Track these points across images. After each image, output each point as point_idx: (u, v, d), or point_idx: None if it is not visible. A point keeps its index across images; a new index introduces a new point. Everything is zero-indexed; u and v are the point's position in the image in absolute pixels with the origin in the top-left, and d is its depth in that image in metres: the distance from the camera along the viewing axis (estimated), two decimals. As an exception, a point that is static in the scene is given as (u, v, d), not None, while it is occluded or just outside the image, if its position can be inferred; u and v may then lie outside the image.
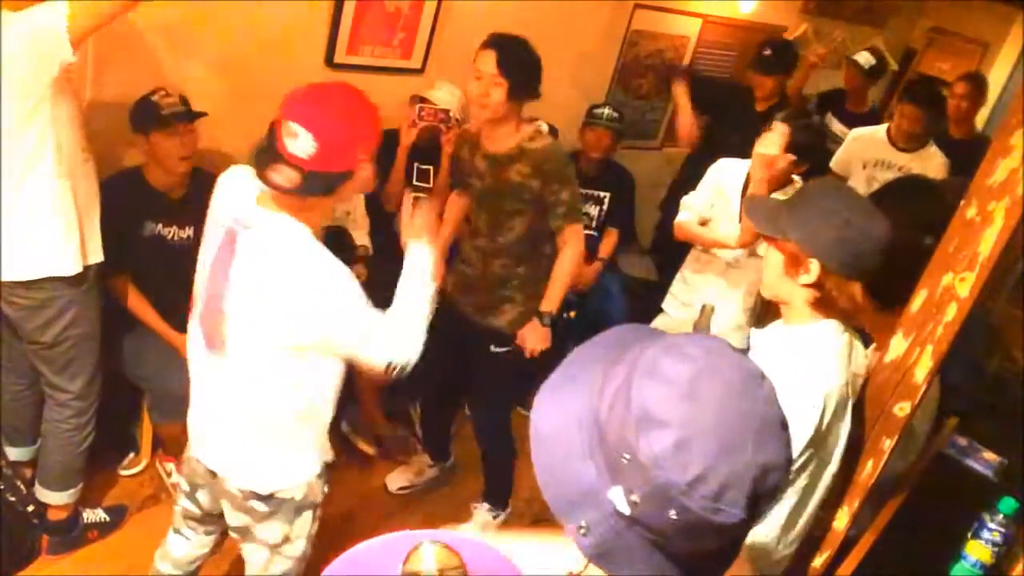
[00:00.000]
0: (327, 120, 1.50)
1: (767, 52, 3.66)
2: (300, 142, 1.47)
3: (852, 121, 4.09)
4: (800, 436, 1.40)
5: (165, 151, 2.37)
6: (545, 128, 2.56)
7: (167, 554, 2.02)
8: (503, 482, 2.88)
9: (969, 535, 1.76)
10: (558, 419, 0.77)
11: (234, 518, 1.83)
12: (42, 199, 2.00)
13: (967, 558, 1.74)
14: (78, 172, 2.06)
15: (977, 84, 4.05)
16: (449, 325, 2.62)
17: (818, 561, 1.72)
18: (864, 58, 4.16)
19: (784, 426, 0.74)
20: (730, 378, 0.72)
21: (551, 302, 2.50)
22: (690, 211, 2.79)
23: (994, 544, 1.73)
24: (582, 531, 0.73)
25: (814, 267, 1.45)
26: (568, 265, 2.48)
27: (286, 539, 1.83)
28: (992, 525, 1.74)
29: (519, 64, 2.24)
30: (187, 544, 1.99)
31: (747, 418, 0.71)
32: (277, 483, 1.76)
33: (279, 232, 1.55)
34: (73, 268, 2.10)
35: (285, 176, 1.49)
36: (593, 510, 0.73)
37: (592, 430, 0.74)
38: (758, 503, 0.70)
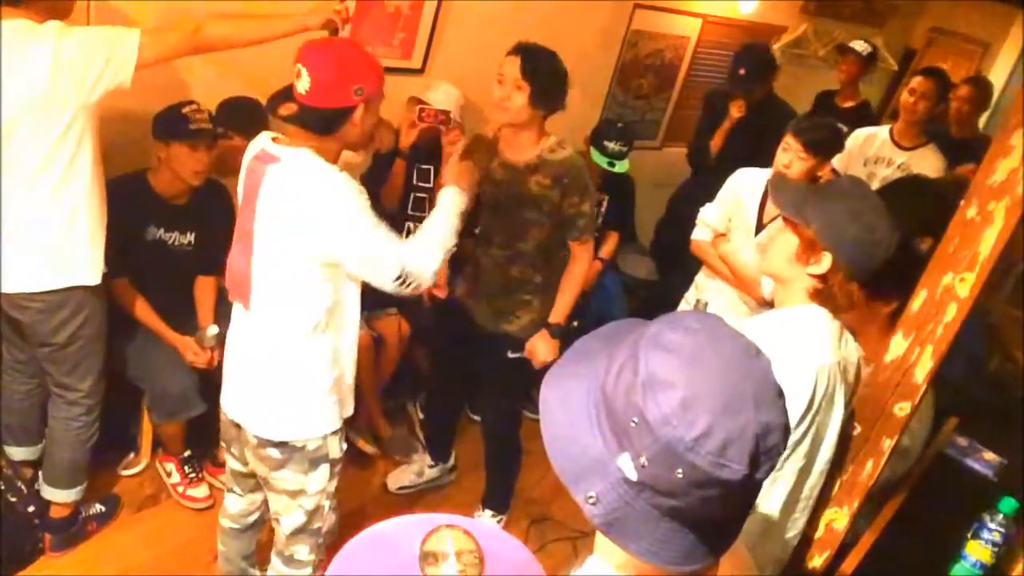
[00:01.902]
0: (322, 61, 1.68)
1: (741, 71, 3.60)
2: (301, 81, 1.68)
3: (844, 116, 4.04)
4: (795, 408, 1.42)
5: (183, 163, 2.40)
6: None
7: (225, 510, 2.18)
8: (505, 487, 2.88)
9: (969, 535, 1.76)
10: (565, 396, 0.82)
11: (256, 466, 1.93)
12: (77, 210, 2.03)
13: (967, 558, 1.74)
14: (98, 182, 2.10)
15: (980, 89, 4.04)
16: (461, 329, 2.64)
17: (818, 561, 1.72)
18: (860, 45, 4.20)
19: (780, 395, 0.78)
20: (730, 348, 0.78)
21: (560, 314, 2.51)
22: (707, 227, 2.78)
23: (994, 544, 1.73)
24: (591, 500, 0.77)
25: (826, 260, 1.47)
26: (578, 278, 2.50)
27: (301, 491, 1.91)
28: (992, 525, 1.73)
29: (543, 71, 2.24)
30: (239, 500, 2.13)
31: (747, 382, 0.75)
32: (289, 432, 1.85)
33: (296, 158, 1.71)
34: (96, 278, 2.14)
35: (288, 109, 1.71)
36: (601, 480, 0.76)
37: (599, 404, 0.79)
38: (759, 461, 0.74)
